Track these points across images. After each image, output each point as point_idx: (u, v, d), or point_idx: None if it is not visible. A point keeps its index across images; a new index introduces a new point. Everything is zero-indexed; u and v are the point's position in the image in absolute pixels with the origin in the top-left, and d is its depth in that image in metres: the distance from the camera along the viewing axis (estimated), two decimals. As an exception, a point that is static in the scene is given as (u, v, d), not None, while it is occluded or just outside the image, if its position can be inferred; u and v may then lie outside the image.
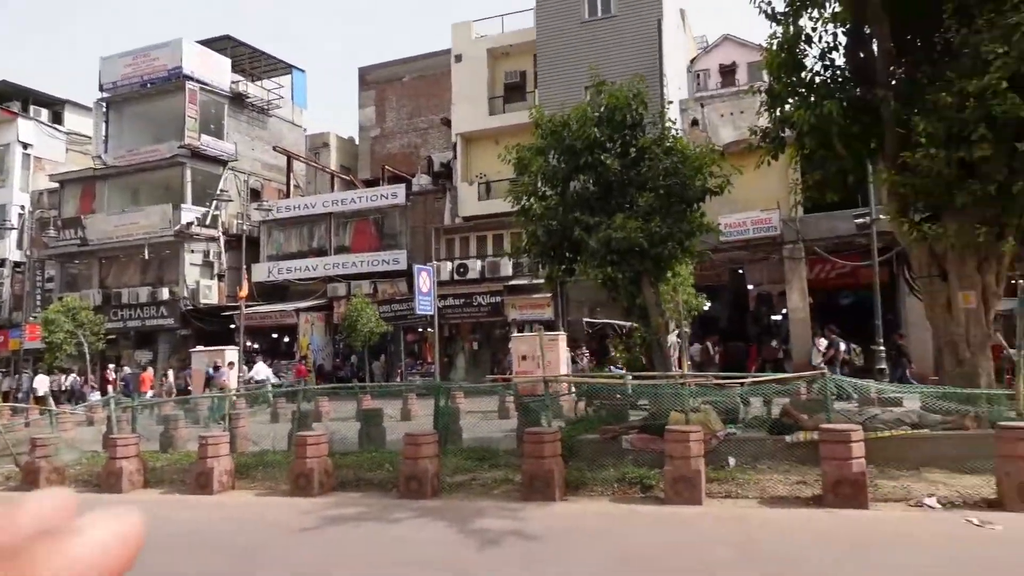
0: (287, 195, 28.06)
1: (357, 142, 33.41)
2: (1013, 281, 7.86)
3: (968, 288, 7.99)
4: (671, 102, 17.21)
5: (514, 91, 24.49)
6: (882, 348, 15.18)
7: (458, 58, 24.90)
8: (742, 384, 9.56)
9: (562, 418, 10.83)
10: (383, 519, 6.84)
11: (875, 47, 8.41)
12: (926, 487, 6.74)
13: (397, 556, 5.63)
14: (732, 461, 7.85)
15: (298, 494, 8.07)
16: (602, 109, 10.13)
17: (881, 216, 12.94)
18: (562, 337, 16.77)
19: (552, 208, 10.14)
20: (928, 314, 8.61)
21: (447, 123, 25.79)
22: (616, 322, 15.68)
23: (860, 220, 16.39)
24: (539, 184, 10.39)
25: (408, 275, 20.71)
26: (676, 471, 6.79)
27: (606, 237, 9.32)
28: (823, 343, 17.26)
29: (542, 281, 14.09)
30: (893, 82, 8.40)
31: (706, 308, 16.71)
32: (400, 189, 24.56)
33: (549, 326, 19.40)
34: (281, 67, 33.03)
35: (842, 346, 17.21)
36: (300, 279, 25.13)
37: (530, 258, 12.09)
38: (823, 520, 6.08)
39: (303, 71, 34.08)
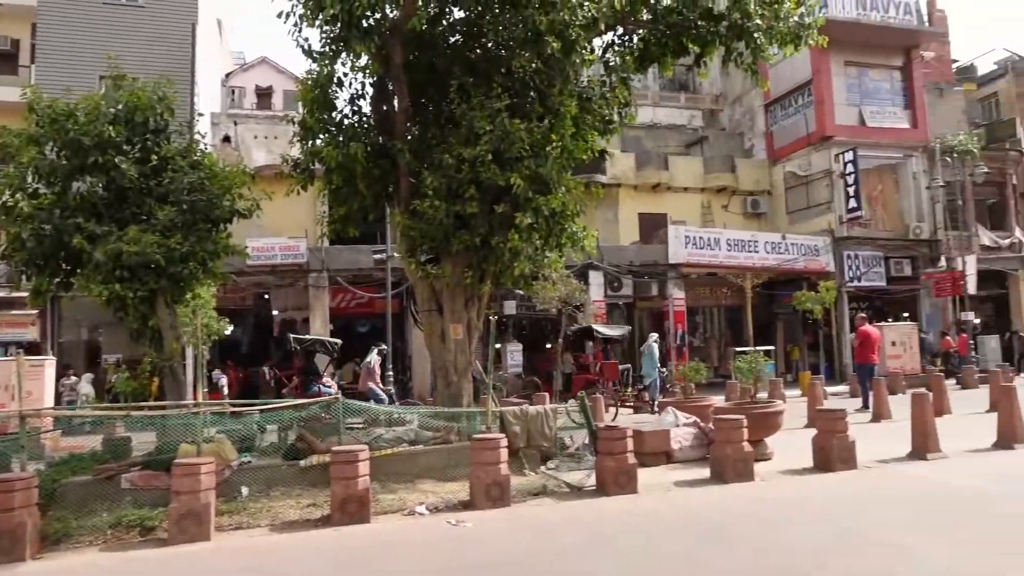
0: None
1: None
2: (491, 317, 9.61)
3: (457, 321, 9.47)
4: (202, 114, 16.38)
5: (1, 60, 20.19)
6: (391, 373, 16.85)
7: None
8: (261, 411, 9.47)
9: (43, 459, 9.13)
10: None
11: (396, 103, 9.45)
12: (419, 496, 7.63)
13: None
14: (245, 491, 7.68)
15: None
16: (120, 106, 9.07)
17: (395, 254, 14.41)
18: (50, 363, 14.16)
19: (46, 209, 8.62)
20: (427, 343, 9.90)
21: None
22: (328, 339, 14.38)
23: (378, 256, 17.98)
24: (29, 179, 8.73)
25: None
26: (183, 507, 6.33)
27: (116, 250, 8.31)
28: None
29: (26, 295, 11.72)
30: (409, 137, 9.54)
31: (228, 332, 16.11)
32: None
33: (32, 349, 16.21)
34: None
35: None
36: None
37: (11, 266, 10.00)
38: (328, 538, 6.38)
39: None
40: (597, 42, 10.30)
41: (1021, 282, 26.34)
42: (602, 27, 8.93)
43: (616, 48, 10.34)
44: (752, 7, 9.28)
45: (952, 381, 19.96)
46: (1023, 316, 27.15)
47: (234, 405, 10.29)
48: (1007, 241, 26.85)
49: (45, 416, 9.98)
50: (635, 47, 10.17)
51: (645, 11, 9.88)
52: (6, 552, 5.92)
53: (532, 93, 8.76)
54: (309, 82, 9.02)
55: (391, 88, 9.51)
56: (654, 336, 17.94)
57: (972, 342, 24.08)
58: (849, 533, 5.86)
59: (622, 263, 22.43)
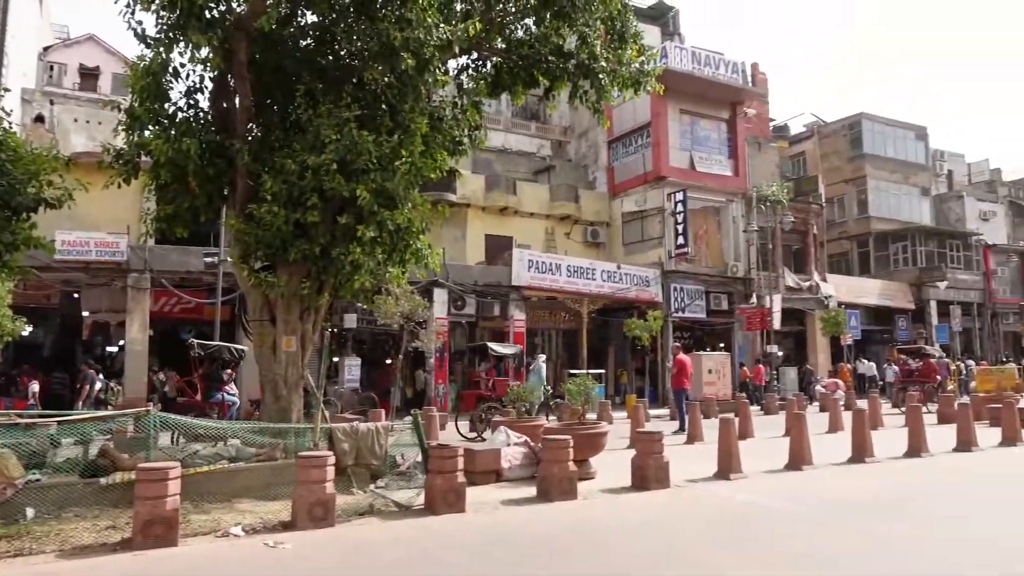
0: None
1: None
2: (327, 330, 9.34)
3: (291, 333, 9.09)
4: (8, 89, 14.63)
5: None
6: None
7: None
8: (59, 423, 8.54)
9: None
10: None
11: (237, 101, 8.98)
12: (236, 517, 7.18)
13: None
14: (31, 512, 6.86)
15: None
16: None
17: (228, 259, 13.63)
18: None
19: None
20: (256, 354, 9.41)
21: None
22: (232, 345, 12.94)
23: (209, 259, 16.91)
24: None
25: None
26: (-54, 533, 5.53)
27: None
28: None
29: None
30: (250, 138, 9.10)
31: (25, 333, 14.45)
32: None
33: None
34: None
35: (97, 384, 17.12)
36: None
37: None
38: (124, 563, 5.84)
39: None
40: (452, 64, 10.45)
41: (816, 321, 29.64)
42: (456, 50, 9.06)
43: (470, 72, 10.53)
44: (599, 50, 9.84)
45: (757, 408, 22.02)
46: (817, 351, 30.57)
47: (29, 415, 9.21)
48: (807, 284, 30.19)
49: None
50: (488, 73, 10.41)
51: (500, 40, 10.17)
52: None
53: (383, 107, 8.67)
54: (140, 68, 8.35)
55: (233, 85, 9.04)
56: (542, 356, 18.42)
57: (775, 372, 26.73)
58: (664, 549, 6.26)
59: (467, 282, 22.69)
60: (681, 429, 15.34)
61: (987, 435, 13.37)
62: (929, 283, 34.24)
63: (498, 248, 25.63)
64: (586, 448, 9.44)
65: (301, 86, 8.48)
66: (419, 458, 8.70)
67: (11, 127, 8.94)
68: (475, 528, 7.05)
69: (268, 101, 9.48)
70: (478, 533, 6.86)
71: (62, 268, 16.97)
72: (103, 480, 7.49)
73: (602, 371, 25.28)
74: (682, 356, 16.67)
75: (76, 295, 19.37)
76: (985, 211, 39.57)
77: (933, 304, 34.33)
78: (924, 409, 12.37)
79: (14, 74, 18.07)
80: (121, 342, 19.33)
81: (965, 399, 15.47)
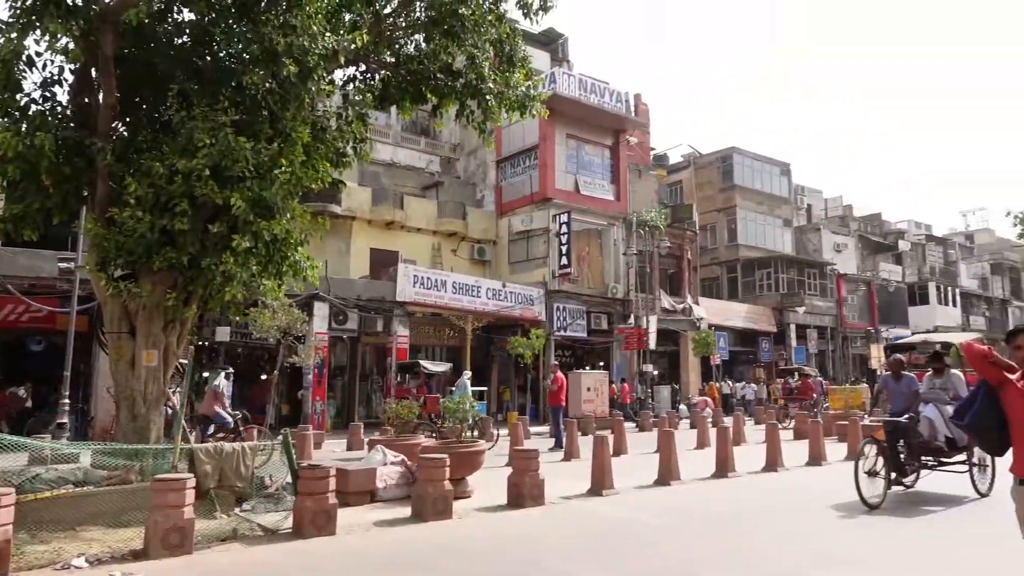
0: None
1: None
2: (193, 344, 8.80)
3: (153, 347, 8.51)
4: None
5: None
6: (67, 401, 14.53)
7: None
8: None
9: None
10: None
11: (101, 98, 8.37)
12: (80, 546, 6.62)
13: None
14: None
15: None
16: None
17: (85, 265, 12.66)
18: None
19: None
20: (112, 368, 8.74)
21: None
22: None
23: (64, 264, 15.61)
24: None
25: None
26: None
27: None
28: None
29: None
30: (114, 137, 8.50)
31: None
32: None
33: None
34: None
35: None
36: None
37: None
38: (-55, 604, 5.24)
39: None
40: (339, 74, 10.25)
41: (689, 341, 31.19)
42: (342, 60, 8.87)
43: (357, 84, 10.37)
44: (486, 72, 9.96)
45: (632, 425, 22.80)
46: (688, 370, 32.13)
47: None
48: (681, 306, 31.74)
49: None
50: (376, 86, 10.29)
51: (388, 53, 10.09)
52: None
53: (263, 113, 8.33)
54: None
55: (97, 80, 8.42)
56: (467, 373, 18.45)
57: (649, 391, 27.83)
58: (529, 564, 6.32)
59: (349, 296, 22.19)
60: (558, 446, 15.62)
61: (836, 450, 14.52)
62: (789, 308, 36.90)
63: (384, 262, 25.27)
64: (463, 466, 9.43)
65: (174, 86, 8.02)
66: (288, 479, 8.36)
67: None
68: (343, 551, 6.85)
69: (136, 99, 8.90)
70: (346, 556, 6.67)
71: None
72: (-78, 508, 6.68)
73: (485, 388, 25.38)
74: (559, 373, 17.10)
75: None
76: (839, 243, 43.24)
77: (792, 327, 37.01)
78: (805, 422, 13.24)
79: None
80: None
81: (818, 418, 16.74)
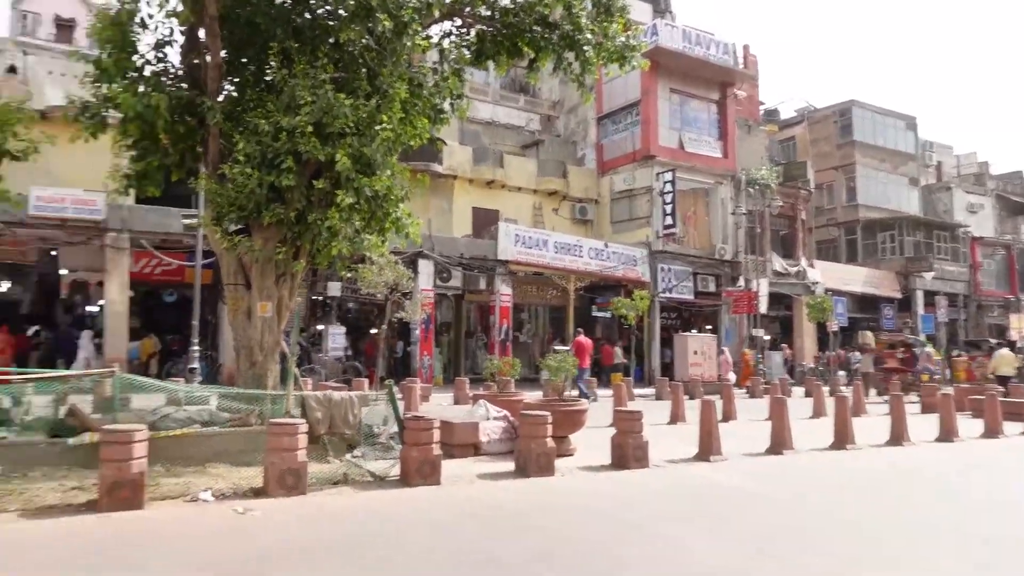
0: None
1: None
2: (306, 297, 9.09)
3: (267, 299, 8.86)
4: (-19, 37, 14.16)
5: None
6: (197, 348, 15.60)
7: None
8: (26, 380, 8.35)
9: None
10: None
11: (209, 58, 8.63)
12: (207, 481, 7.05)
13: None
14: (-4, 470, 6.70)
15: None
16: None
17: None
18: None
19: None
20: (231, 319, 9.19)
21: None
22: None
23: (188, 221, 16.55)
24: None
25: None
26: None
27: None
28: None
29: None
30: (221, 97, 8.77)
31: (3, 289, 14.16)
32: None
33: None
34: None
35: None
36: None
37: None
38: (88, 525, 5.70)
39: None
40: (435, 29, 10.12)
41: (803, 306, 29.69)
42: (436, 14, 8.72)
43: (453, 39, 10.20)
44: (584, 22, 9.55)
45: (743, 390, 22.07)
46: (803, 336, 30.66)
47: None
48: (795, 269, 30.19)
49: None
50: (471, 41, 10.09)
51: (483, 6, 9.82)
52: None
53: (362, 70, 8.34)
54: (106, 17, 7.95)
55: (204, 40, 8.68)
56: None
57: (760, 356, 26.73)
58: (631, 526, 6.17)
59: (453, 254, 22.45)
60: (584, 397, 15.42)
61: (969, 426, 13.43)
62: (916, 273, 34.36)
63: (485, 221, 25.35)
64: (565, 425, 9.35)
65: (275, 44, 8.15)
66: (395, 428, 8.57)
67: (-22, 75, 8.58)
68: (448, 501, 6.94)
69: (242, 59, 9.12)
70: (450, 506, 6.75)
71: (38, 224, 16.55)
72: (70, 440, 7.32)
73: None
74: (580, 338, 18.88)
75: (53, 253, 18.95)
76: (973, 204, 39.66)
77: (919, 294, 34.48)
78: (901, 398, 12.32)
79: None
80: (101, 302, 18.95)
81: (949, 390, 15.44)
